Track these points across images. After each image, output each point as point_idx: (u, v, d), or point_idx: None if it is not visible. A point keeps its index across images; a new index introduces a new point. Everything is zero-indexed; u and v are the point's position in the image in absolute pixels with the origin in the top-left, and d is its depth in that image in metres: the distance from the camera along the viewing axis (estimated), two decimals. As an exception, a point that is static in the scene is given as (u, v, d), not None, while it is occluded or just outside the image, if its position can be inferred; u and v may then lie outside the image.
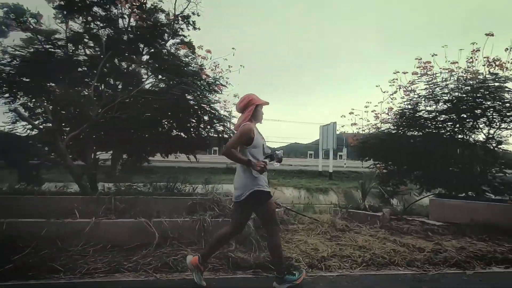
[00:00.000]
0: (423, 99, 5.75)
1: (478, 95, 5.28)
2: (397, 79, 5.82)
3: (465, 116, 5.71)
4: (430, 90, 5.71)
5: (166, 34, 5.20)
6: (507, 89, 5.56)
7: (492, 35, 5.05)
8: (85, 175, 4.63)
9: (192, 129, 5.66)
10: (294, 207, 6.65)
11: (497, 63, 5.15)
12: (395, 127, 6.24)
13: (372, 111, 6.18)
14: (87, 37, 4.68)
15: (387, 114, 6.27)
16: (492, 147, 6.22)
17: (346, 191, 13.36)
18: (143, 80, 5.31)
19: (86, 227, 3.21)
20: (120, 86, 5.23)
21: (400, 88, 5.86)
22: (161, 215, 3.76)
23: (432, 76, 5.59)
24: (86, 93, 4.48)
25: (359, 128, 7.09)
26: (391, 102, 6.16)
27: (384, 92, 6.17)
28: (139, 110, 4.79)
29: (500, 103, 5.71)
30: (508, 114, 5.76)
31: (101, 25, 4.75)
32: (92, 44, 4.82)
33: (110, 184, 4.93)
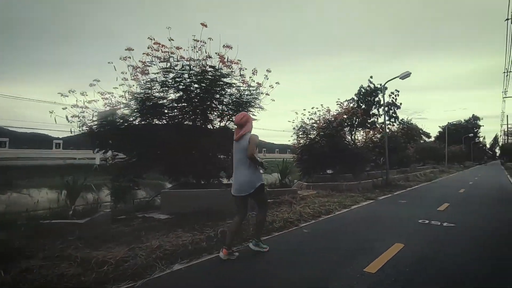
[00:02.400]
0: (158, 84, 5.33)
1: (203, 85, 5.46)
2: (130, 57, 5.03)
3: (200, 106, 5.87)
4: (167, 76, 5.37)
5: None
6: (234, 85, 6.24)
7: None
8: None
9: None
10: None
11: (221, 59, 5.52)
12: (134, 114, 5.50)
13: (102, 93, 5.04)
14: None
15: (125, 98, 5.39)
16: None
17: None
18: None
19: None
20: None
21: (133, 68, 5.10)
22: None
23: (166, 60, 5.23)
24: None
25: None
26: (129, 85, 5.31)
27: (122, 73, 5.23)
28: None
29: (228, 97, 6.37)
30: (233, 108, 6.54)
31: None
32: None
33: None
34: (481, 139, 70.05)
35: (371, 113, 34.62)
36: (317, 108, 10.52)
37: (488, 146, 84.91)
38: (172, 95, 5.84)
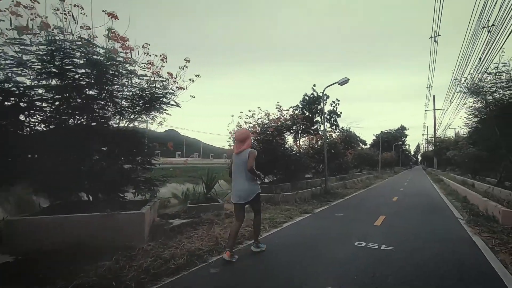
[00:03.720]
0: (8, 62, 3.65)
1: (93, 71, 3.96)
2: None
3: (80, 98, 4.33)
4: (22, 51, 3.73)
5: None
6: (136, 73, 4.84)
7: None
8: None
9: None
10: None
11: (115, 37, 4.07)
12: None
13: None
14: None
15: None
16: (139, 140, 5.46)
17: None
18: None
19: None
20: None
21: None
22: None
23: (27, 29, 3.59)
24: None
25: None
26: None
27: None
28: None
29: (132, 89, 4.95)
30: (139, 104, 5.13)
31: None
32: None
33: None
34: (407, 146, 78.72)
35: (314, 120, 35.72)
36: (253, 111, 9.59)
37: (412, 152, 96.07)
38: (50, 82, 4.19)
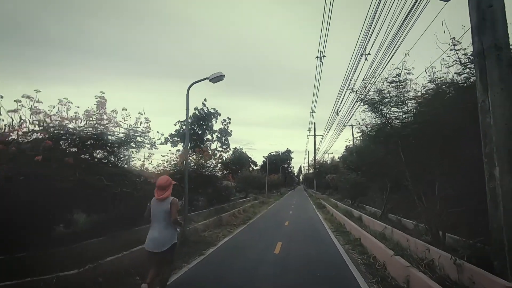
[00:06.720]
0: None
1: None
2: None
3: None
4: None
5: None
6: None
7: None
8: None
9: None
10: None
11: None
12: None
13: None
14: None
15: None
16: None
17: None
18: None
19: None
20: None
21: None
22: None
23: None
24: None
25: None
26: None
27: None
28: None
29: None
30: None
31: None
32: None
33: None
34: (292, 168, 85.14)
35: (205, 138, 31.94)
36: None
37: (296, 174, 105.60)
38: None
